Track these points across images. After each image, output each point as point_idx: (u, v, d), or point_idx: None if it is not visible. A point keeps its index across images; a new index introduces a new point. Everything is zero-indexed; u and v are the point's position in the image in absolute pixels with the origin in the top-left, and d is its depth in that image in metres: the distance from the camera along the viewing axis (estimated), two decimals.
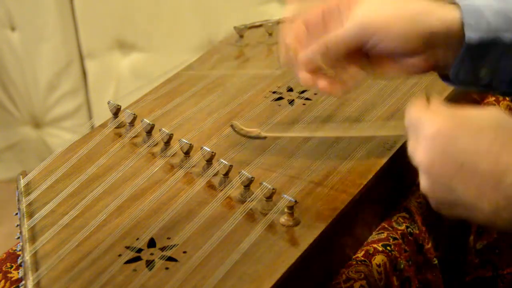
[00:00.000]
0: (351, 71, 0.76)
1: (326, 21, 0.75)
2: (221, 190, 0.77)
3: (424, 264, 0.85)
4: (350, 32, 0.73)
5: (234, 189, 0.76)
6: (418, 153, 0.64)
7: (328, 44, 0.74)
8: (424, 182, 0.64)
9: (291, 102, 0.93)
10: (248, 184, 0.75)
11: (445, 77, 0.76)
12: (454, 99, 0.93)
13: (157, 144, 0.85)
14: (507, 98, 1.00)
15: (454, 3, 0.72)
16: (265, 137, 0.83)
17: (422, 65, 0.74)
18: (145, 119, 0.85)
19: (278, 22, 1.13)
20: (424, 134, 0.63)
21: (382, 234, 0.80)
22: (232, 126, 0.84)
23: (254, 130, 0.84)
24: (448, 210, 0.65)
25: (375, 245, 0.79)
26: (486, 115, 0.63)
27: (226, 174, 0.77)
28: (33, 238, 0.71)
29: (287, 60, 0.77)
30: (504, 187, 0.60)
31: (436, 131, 0.62)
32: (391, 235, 0.80)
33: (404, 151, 0.82)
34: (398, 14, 0.72)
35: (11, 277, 0.75)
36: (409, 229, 0.82)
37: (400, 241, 0.80)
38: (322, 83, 0.76)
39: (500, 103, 1.00)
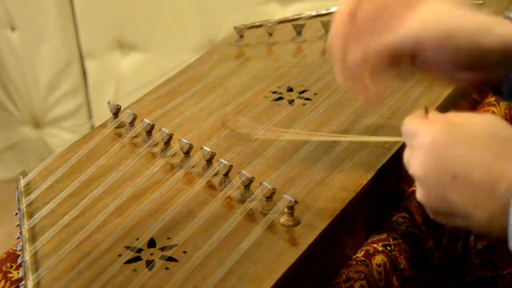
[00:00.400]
0: (387, 77, 0.73)
1: (375, 20, 0.71)
2: (221, 190, 0.77)
3: (424, 264, 0.85)
4: (401, 42, 0.69)
5: (234, 189, 0.76)
6: (412, 164, 0.64)
7: (371, 55, 0.70)
8: (419, 192, 0.64)
9: (291, 102, 0.93)
10: (248, 184, 0.75)
11: (496, 92, 0.73)
12: (453, 99, 0.93)
13: (157, 144, 0.85)
14: None
15: (510, 18, 0.70)
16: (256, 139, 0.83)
17: (472, 79, 0.71)
18: (145, 119, 0.85)
19: (278, 22, 1.13)
20: (419, 144, 0.63)
21: (382, 234, 0.80)
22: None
23: (245, 133, 0.83)
24: (445, 219, 0.65)
25: (375, 245, 0.79)
26: (480, 124, 0.63)
27: (226, 174, 0.77)
28: (33, 238, 0.71)
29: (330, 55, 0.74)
30: (499, 195, 0.59)
31: (430, 141, 0.62)
32: (391, 235, 0.80)
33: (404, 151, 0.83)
34: (458, 28, 0.68)
35: (11, 277, 0.75)
36: (409, 229, 0.82)
37: (400, 241, 0.80)
38: (359, 90, 0.73)
39: (500, 104, 1.00)
